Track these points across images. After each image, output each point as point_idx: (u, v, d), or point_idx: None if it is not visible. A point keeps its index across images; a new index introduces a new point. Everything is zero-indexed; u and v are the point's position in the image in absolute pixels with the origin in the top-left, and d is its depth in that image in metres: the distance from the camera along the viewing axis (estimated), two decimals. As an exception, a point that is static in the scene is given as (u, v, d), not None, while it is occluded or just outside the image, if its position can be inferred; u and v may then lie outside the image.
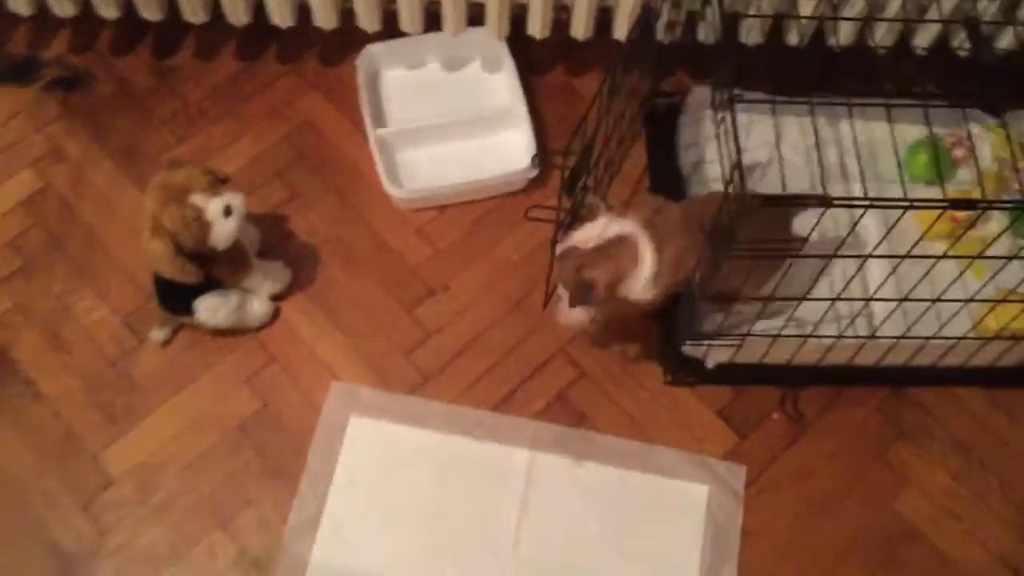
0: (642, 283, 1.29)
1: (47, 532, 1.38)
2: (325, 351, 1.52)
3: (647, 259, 1.28)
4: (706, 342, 1.38)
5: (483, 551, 1.38)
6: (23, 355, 1.49)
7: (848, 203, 1.08)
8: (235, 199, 1.38)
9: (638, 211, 1.31)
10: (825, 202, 1.05)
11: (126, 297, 1.54)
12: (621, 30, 1.59)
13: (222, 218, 1.36)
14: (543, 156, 1.64)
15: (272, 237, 1.60)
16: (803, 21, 1.55)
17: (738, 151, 1.09)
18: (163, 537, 1.38)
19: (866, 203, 1.06)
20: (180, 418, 1.46)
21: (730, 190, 1.10)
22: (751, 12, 1.54)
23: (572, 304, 1.29)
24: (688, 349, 1.44)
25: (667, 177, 1.62)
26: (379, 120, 1.67)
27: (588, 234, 1.30)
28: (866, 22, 1.54)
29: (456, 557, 1.38)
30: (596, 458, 1.44)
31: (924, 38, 1.56)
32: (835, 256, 1.21)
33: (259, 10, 1.61)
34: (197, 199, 1.34)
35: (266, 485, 1.42)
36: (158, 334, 1.50)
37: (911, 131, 1.60)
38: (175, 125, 1.69)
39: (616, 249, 1.28)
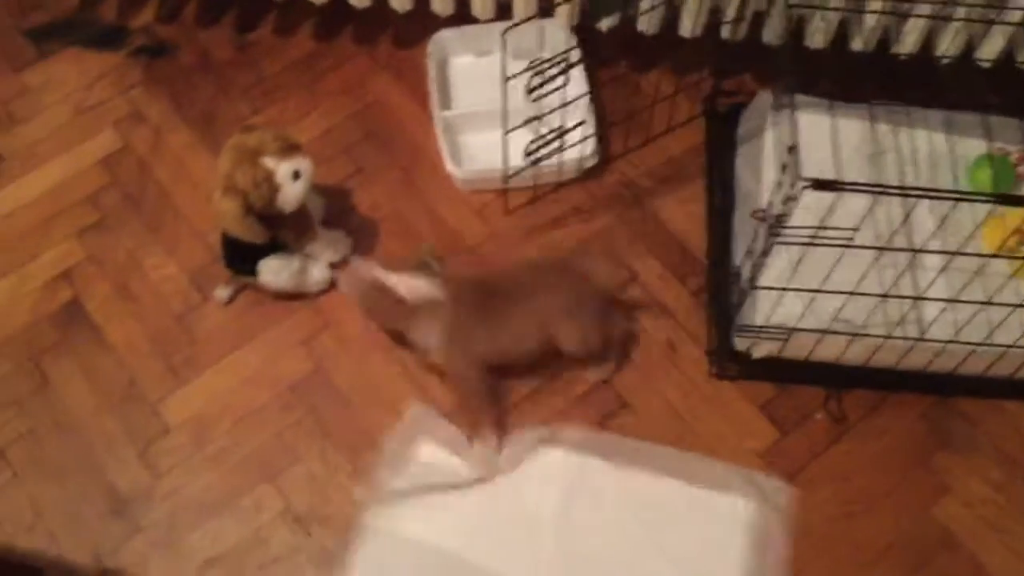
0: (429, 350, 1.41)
1: (104, 473, 1.44)
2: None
3: (429, 334, 1.39)
4: (754, 334, 1.39)
5: (522, 548, 1.38)
6: (93, 304, 1.57)
7: (900, 192, 1.10)
8: (304, 163, 1.43)
9: (454, 289, 1.39)
10: (877, 189, 1.07)
11: (194, 256, 1.61)
12: (687, 27, 1.61)
13: (291, 181, 1.41)
14: (603, 147, 1.68)
15: (336, 208, 1.65)
16: (867, 27, 1.56)
17: (794, 136, 1.11)
18: (214, 486, 1.43)
19: (917, 193, 1.07)
20: (236, 374, 1.52)
21: (784, 175, 1.12)
22: (816, 15, 1.55)
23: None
24: (736, 341, 1.46)
25: (722, 178, 1.63)
26: (445, 103, 1.72)
27: (399, 282, 1.38)
28: (932, 22, 1.54)
29: (496, 542, 1.38)
30: (639, 464, 1.43)
31: (989, 50, 1.56)
32: (886, 249, 1.22)
33: (344, -9, 1.67)
34: (268, 161, 1.40)
35: (314, 445, 1.46)
36: (222, 292, 1.56)
37: (974, 145, 1.60)
38: (251, 97, 1.75)
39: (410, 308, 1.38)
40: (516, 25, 1.35)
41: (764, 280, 1.30)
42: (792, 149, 1.09)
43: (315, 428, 1.48)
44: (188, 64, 1.79)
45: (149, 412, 1.48)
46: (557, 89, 1.43)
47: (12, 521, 1.40)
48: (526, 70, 1.38)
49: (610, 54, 1.77)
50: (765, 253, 1.19)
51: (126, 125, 1.73)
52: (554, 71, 1.39)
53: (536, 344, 1.43)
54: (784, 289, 1.31)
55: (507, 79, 1.37)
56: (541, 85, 1.38)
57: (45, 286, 1.58)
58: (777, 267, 1.32)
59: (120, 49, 1.79)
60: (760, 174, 1.58)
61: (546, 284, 1.43)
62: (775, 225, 1.14)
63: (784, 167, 1.14)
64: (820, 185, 1.07)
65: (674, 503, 1.41)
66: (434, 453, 1.45)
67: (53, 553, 1.38)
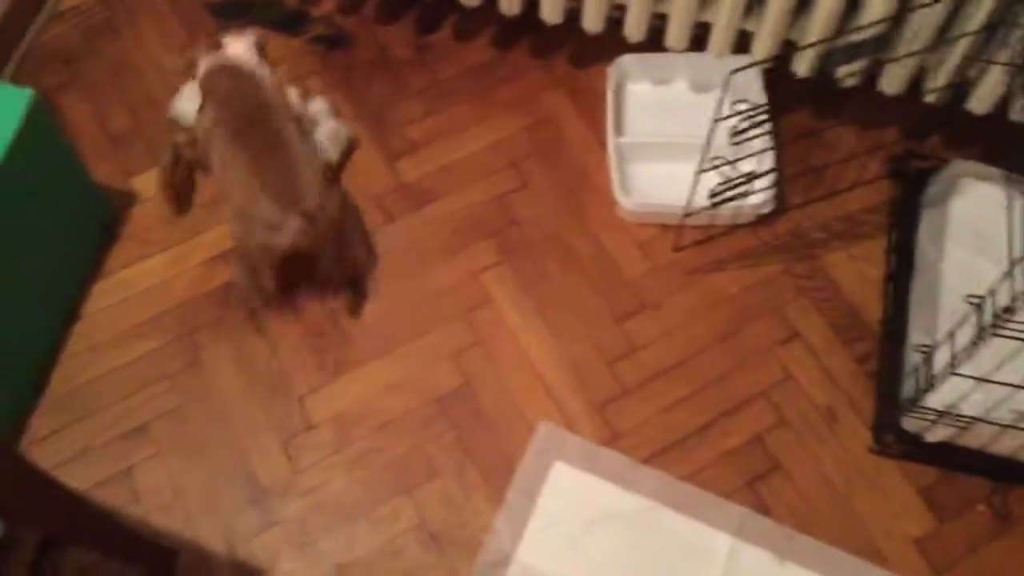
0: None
1: (247, 460, 1.44)
2: (529, 343, 1.54)
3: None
4: (933, 419, 1.32)
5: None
6: (252, 288, 1.57)
7: None
8: None
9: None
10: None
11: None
12: (888, 84, 1.54)
13: None
14: (781, 195, 1.62)
15: (495, 222, 1.63)
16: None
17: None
18: (352, 489, 1.42)
19: None
20: (385, 378, 1.50)
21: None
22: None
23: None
24: (907, 421, 1.39)
25: (902, 243, 1.56)
26: (619, 129, 1.68)
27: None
28: None
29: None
30: (800, 560, 1.36)
31: None
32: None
33: (530, 3, 1.64)
34: None
35: (453, 462, 1.44)
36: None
37: None
38: (424, 98, 1.74)
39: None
40: (743, 69, 1.29)
41: (964, 369, 1.23)
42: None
43: (456, 444, 1.46)
44: (365, 58, 1.78)
45: (295, 404, 1.48)
46: (759, 136, 1.37)
47: (151, 498, 1.41)
48: (737, 115, 1.33)
49: (799, 100, 1.71)
50: (977, 343, 1.12)
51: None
52: (762, 118, 1.33)
53: None
54: (986, 380, 1.23)
55: (717, 120, 1.32)
56: (745, 131, 1.33)
57: (206, 263, 1.59)
58: (978, 357, 1.25)
59: (299, 35, 1.80)
60: (943, 246, 1.51)
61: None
62: (998, 317, 1.07)
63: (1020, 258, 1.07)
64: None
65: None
66: (569, 476, 1.42)
67: (188, 535, 1.39)
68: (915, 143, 1.64)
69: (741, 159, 1.44)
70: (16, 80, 1.72)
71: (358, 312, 1.54)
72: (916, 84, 1.55)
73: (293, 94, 1.60)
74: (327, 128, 1.63)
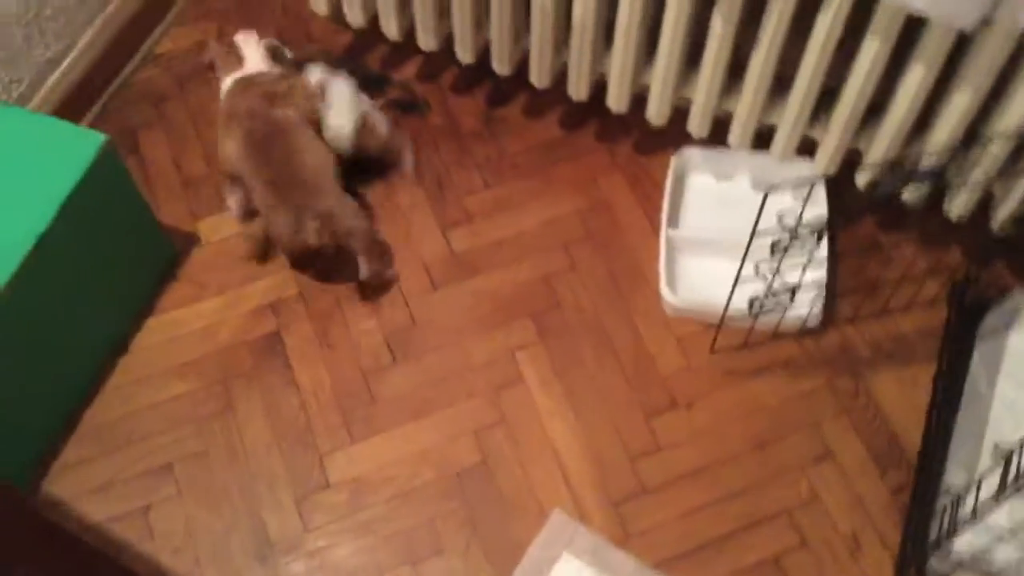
0: None
1: (259, 512, 1.47)
2: (554, 428, 1.52)
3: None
4: (959, 565, 1.25)
5: None
6: (292, 341, 1.61)
7: None
8: None
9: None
10: None
11: (395, 317, 1.62)
12: (955, 208, 1.49)
13: None
14: (831, 306, 1.58)
15: (538, 301, 1.63)
16: None
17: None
18: (358, 555, 1.43)
19: None
20: (406, 446, 1.51)
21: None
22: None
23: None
24: (934, 563, 1.32)
25: (953, 372, 1.49)
26: (674, 221, 1.66)
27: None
28: None
29: None
30: None
31: None
32: None
33: (598, 90, 1.65)
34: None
35: (461, 539, 1.44)
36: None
37: None
38: (486, 170, 1.76)
39: None
40: (814, 183, 1.27)
41: (996, 516, 1.17)
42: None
43: (466, 522, 1.45)
44: (435, 125, 1.82)
45: (316, 462, 1.50)
46: (804, 250, 1.34)
47: (164, 538, 1.45)
48: (781, 228, 1.30)
49: (859, 211, 1.67)
50: (999, 498, 1.06)
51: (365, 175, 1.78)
52: (807, 234, 1.30)
53: None
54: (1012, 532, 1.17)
55: (755, 230, 1.29)
56: (786, 248, 1.30)
57: (253, 312, 1.63)
58: (1007, 506, 1.19)
59: (378, 96, 1.85)
60: (995, 381, 1.43)
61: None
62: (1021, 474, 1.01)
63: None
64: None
65: None
66: (576, 570, 1.39)
67: (196, 579, 1.42)
68: (977, 269, 1.58)
69: (784, 270, 1.41)
70: (105, 114, 1.82)
71: (383, 278, 1.66)
72: (983, 210, 1.49)
73: (314, 75, 1.70)
74: (340, 106, 1.69)
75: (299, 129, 1.61)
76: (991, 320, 1.50)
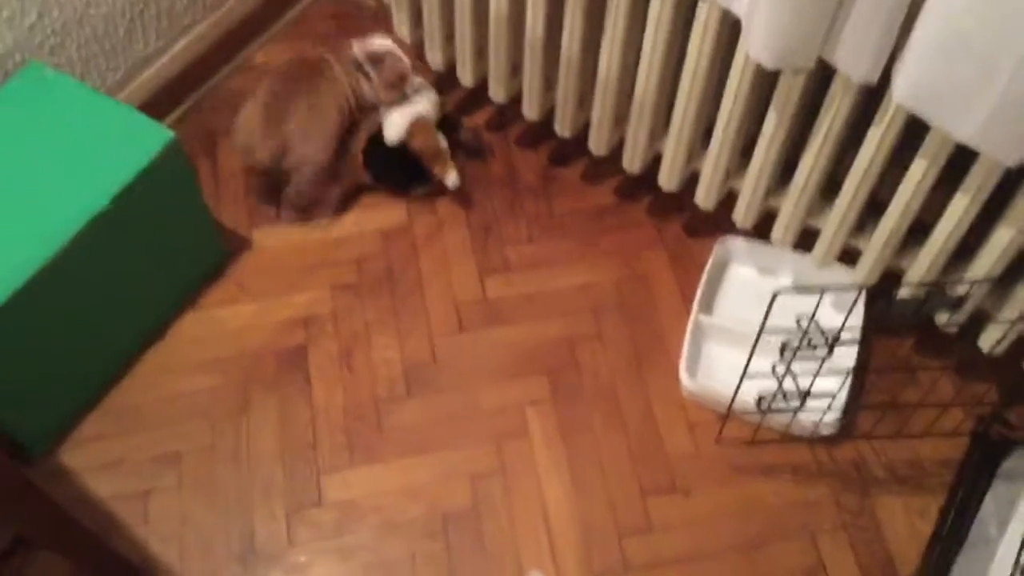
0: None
1: (251, 516, 1.50)
2: (548, 488, 1.53)
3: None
4: None
5: None
6: (316, 358, 1.65)
7: None
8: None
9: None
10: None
11: (418, 352, 1.66)
12: (988, 342, 1.45)
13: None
14: (848, 419, 1.55)
15: (557, 360, 1.64)
16: None
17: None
18: (332, 576, 1.46)
19: None
20: (402, 479, 1.54)
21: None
22: None
23: None
24: None
25: (963, 509, 1.45)
26: (706, 306, 1.66)
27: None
28: None
29: None
30: None
31: None
32: None
33: (653, 165, 1.67)
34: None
35: (436, 581, 1.45)
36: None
37: None
38: (534, 225, 1.80)
39: None
40: (865, 295, 1.27)
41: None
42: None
43: (444, 566, 1.46)
44: (494, 173, 1.86)
45: (313, 478, 1.54)
46: (819, 358, 1.33)
47: (157, 524, 1.50)
48: (798, 331, 1.30)
49: (893, 327, 1.64)
50: None
51: (417, 207, 1.82)
52: (821, 342, 1.29)
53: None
54: None
55: (762, 330, 1.29)
56: (796, 350, 1.29)
57: (285, 323, 1.69)
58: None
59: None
60: (1007, 524, 1.38)
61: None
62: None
63: None
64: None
65: None
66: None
67: (174, 570, 1.46)
68: (1006, 406, 1.53)
69: (803, 373, 1.39)
70: (190, 114, 1.91)
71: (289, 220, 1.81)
72: (1020, 347, 1.45)
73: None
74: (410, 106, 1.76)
75: (327, 76, 1.70)
76: (1012, 462, 1.46)
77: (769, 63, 1.22)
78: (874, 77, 1.19)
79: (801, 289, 1.27)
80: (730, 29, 1.34)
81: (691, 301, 1.68)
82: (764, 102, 1.40)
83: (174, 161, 1.51)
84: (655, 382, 1.63)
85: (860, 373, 1.59)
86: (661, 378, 1.63)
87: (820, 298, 1.27)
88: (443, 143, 1.78)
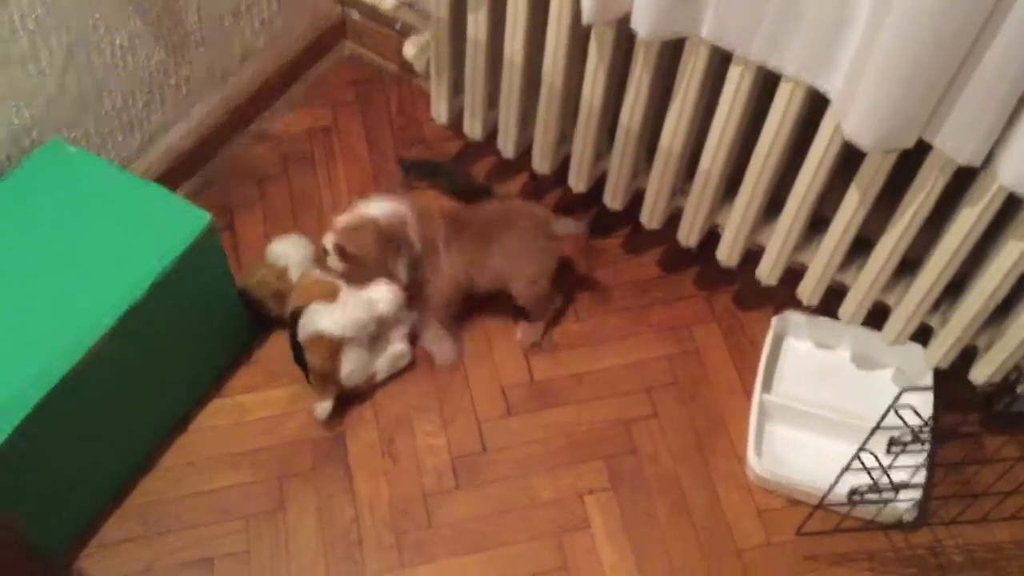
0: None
1: (297, 626, 1.39)
2: (616, 587, 1.44)
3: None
4: None
5: None
6: (356, 447, 1.54)
7: None
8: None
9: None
10: None
11: (465, 441, 1.55)
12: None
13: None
14: (927, 505, 1.48)
15: (614, 445, 1.56)
16: None
17: None
18: None
19: None
20: (457, 582, 1.43)
21: None
22: None
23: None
24: None
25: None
26: (768, 385, 1.59)
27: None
28: None
29: None
30: None
31: None
32: None
33: (709, 239, 1.61)
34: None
35: None
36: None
37: None
38: (578, 301, 1.71)
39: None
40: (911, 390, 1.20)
41: None
42: None
43: (510, 677, 1.35)
44: (531, 245, 1.78)
45: (359, 583, 1.43)
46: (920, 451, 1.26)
47: (195, 635, 1.37)
48: (916, 428, 1.22)
49: (973, 406, 1.58)
50: None
51: (452, 282, 1.73)
52: (927, 435, 1.22)
53: (498, 277, 1.59)
54: None
55: (877, 427, 1.21)
56: (906, 444, 1.22)
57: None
58: None
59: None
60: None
61: (514, 225, 1.58)
62: None
63: None
64: None
65: None
66: None
67: None
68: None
69: (894, 467, 1.32)
70: (206, 185, 1.81)
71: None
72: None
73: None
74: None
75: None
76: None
77: (868, 144, 1.16)
78: (979, 159, 1.13)
79: (925, 388, 1.19)
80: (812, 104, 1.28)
81: (747, 378, 1.62)
82: (844, 180, 1.34)
83: (209, 243, 1.41)
84: (719, 466, 1.54)
85: (931, 456, 1.53)
86: (724, 461, 1.55)
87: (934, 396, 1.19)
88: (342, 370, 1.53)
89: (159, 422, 1.51)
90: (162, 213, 1.39)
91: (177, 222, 1.38)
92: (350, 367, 1.52)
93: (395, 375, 1.61)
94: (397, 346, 1.59)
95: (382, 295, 1.54)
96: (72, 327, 1.27)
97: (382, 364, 1.58)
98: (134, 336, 1.32)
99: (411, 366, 1.62)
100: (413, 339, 1.63)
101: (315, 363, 1.50)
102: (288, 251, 1.61)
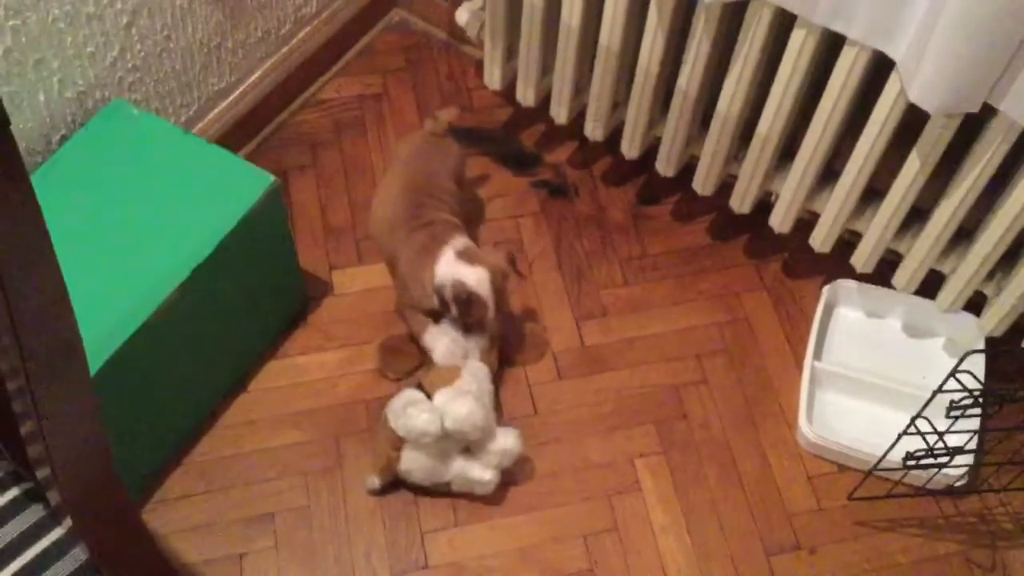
0: None
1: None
2: (667, 547, 1.45)
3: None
4: None
5: None
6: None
7: None
8: None
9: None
10: None
11: (518, 404, 1.58)
12: None
13: None
14: (978, 472, 1.48)
15: (664, 410, 1.57)
16: None
17: None
18: (446, 647, 1.37)
19: None
20: (510, 541, 1.45)
21: None
22: None
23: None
24: None
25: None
26: (819, 352, 1.60)
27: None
28: None
29: None
30: None
31: None
32: None
33: (761, 206, 1.61)
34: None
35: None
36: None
37: None
38: (628, 268, 1.73)
39: None
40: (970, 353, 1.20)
41: None
42: None
43: (564, 633, 1.38)
44: (582, 213, 1.79)
45: (416, 539, 1.45)
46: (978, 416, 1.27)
47: (255, 588, 1.41)
48: (975, 392, 1.22)
49: (1016, 376, 1.59)
50: None
51: (501, 247, 1.74)
52: (979, 402, 1.23)
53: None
54: None
55: (938, 390, 1.22)
56: (966, 408, 1.22)
57: (374, 372, 1.60)
58: None
59: (527, 175, 1.83)
60: None
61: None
62: None
63: None
64: None
65: None
66: None
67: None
68: None
69: (950, 431, 1.33)
70: (261, 151, 1.83)
71: None
72: None
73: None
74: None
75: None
76: None
77: (934, 108, 1.16)
78: (1048, 122, 1.13)
79: (985, 351, 1.20)
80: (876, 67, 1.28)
81: (797, 346, 1.63)
82: (903, 147, 1.34)
83: (273, 205, 1.43)
84: (770, 432, 1.56)
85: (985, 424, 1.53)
86: (775, 428, 1.56)
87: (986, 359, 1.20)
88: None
89: (220, 381, 1.54)
90: (226, 174, 1.41)
91: (241, 183, 1.40)
92: (408, 466, 1.43)
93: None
94: (479, 472, 1.44)
95: (456, 411, 1.37)
96: (143, 283, 1.30)
97: (459, 480, 1.44)
98: (201, 294, 1.35)
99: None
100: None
101: (381, 445, 1.45)
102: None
